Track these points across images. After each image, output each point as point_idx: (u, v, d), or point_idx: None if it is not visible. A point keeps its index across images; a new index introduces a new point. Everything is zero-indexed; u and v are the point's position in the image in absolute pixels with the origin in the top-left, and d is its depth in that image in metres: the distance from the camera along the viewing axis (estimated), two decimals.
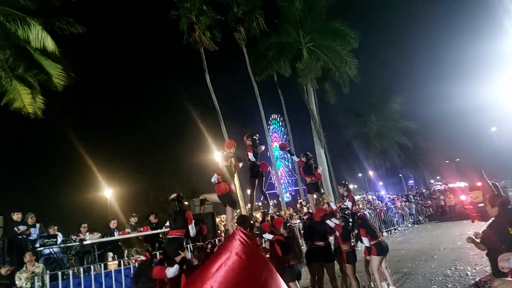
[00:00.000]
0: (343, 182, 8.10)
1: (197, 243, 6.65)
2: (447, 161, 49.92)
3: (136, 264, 5.19)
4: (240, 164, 6.11)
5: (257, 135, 6.74)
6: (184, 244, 5.25)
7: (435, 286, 6.57)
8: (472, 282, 6.50)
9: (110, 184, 26.30)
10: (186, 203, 5.18)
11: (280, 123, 42.58)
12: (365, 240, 6.39)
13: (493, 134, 38.73)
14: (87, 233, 8.59)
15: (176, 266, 4.34)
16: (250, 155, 6.35)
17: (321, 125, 22.78)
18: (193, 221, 5.05)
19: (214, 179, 5.74)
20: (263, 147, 6.79)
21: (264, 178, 6.70)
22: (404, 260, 9.39)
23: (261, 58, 21.98)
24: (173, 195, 5.22)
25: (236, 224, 5.07)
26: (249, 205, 8.18)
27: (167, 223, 10.10)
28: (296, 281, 5.42)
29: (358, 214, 6.93)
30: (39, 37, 10.24)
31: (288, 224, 5.84)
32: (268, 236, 5.58)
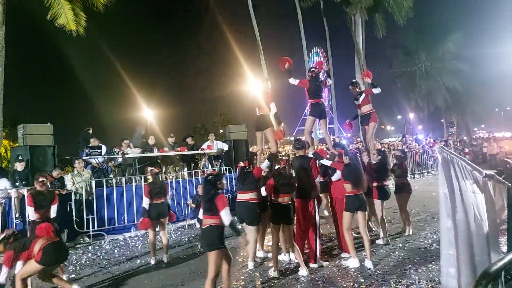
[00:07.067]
0: (353, 80, 7.36)
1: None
2: (496, 109, 46.64)
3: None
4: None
5: (316, 67, 6.61)
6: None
7: None
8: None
9: (150, 106, 27.12)
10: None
11: (322, 58, 40.42)
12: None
13: None
14: (128, 148, 9.17)
15: (266, 161, 5.19)
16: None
17: (365, 61, 21.49)
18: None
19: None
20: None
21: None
22: (434, 201, 9.35)
23: None
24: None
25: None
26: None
27: (203, 145, 10.56)
28: (354, 213, 4.95)
29: (393, 154, 6.75)
30: None
31: (350, 149, 5.60)
32: (326, 162, 5.29)
